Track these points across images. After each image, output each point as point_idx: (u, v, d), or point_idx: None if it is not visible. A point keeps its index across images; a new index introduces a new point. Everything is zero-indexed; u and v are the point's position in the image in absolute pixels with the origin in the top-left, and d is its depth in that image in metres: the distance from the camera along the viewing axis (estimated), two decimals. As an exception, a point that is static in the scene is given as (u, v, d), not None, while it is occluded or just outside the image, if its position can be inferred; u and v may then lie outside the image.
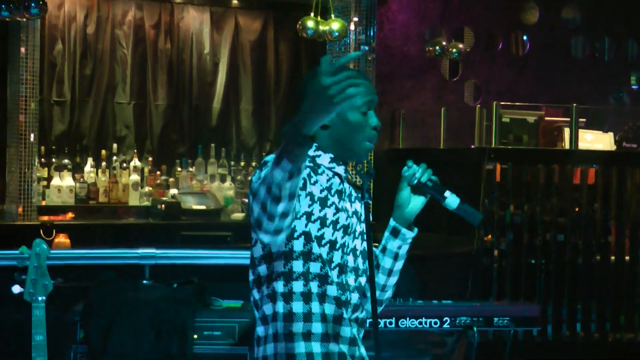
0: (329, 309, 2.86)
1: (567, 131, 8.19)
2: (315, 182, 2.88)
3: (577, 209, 7.58)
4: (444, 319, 4.73)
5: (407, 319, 4.70)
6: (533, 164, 7.59)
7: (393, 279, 3.05)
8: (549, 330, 7.36)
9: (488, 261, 7.40)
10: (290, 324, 2.84)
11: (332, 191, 2.91)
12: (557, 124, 8.70)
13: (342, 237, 2.90)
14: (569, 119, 8.09)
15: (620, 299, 7.55)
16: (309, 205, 2.84)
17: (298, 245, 2.84)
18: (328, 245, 2.86)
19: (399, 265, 3.04)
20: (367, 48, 8.76)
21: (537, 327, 4.80)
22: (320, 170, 2.92)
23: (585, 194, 7.57)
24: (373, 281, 2.82)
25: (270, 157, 2.73)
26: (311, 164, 2.91)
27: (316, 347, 2.84)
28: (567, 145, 8.17)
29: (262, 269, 2.88)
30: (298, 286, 2.84)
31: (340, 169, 2.96)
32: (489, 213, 7.49)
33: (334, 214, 2.88)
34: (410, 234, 3.00)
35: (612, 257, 7.57)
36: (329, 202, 2.88)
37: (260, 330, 2.93)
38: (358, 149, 2.94)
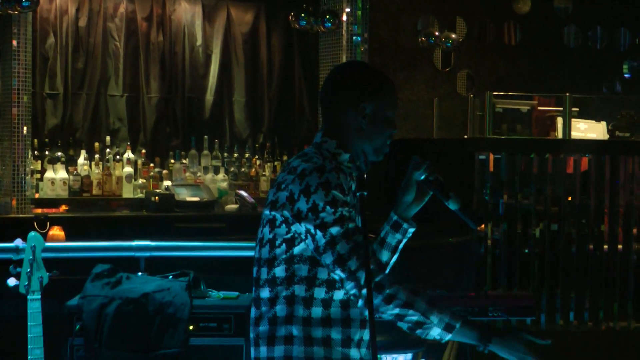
0: (354, 312, 2.90)
1: (560, 120, 8.21)
2: (337, 185, 2.88)
3: (570, 198, 7.60)
4: (439, 309, 4.73)
5: (402, 309, 4.70)
6: (526, 154, 7.60)
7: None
8: (542, 319, 7.39)
9: (482, 251, 7.42)
10: (309, 329, 2.85)
11: (351, 192, 2.94)
12: (549, 113, 8.73)
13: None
14: (561, 109, 8.10)
15: (613, 287, 7.57)
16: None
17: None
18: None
19: (394, 258, 3.08)
20: (359, 39, 8.76)
21: (531, 317, 4.82)
22: (340, 170, 2.92)
23: (579, 183, 7.58)
24: (369, 271, 2.82)
25: (300, 165, 2.86)
26: (334, 164, 2.93)
27: (336, 354, 2.86)
28: (560, 135, 8.19)
29: (280, 270, 2.88)
30: (320, 292, 2.86)
31: (353, 167, 2.98)
32: (483, 203, 7.50)
33: (356, 218, 2.93)
34: (411, 229, 3.05)
35: (605, 246, 7.59)
36: (352, 205, 2.91)
37: (263, 329, 2.92)
38: (374, 154, 3.00)
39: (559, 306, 7.47)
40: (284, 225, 2.87)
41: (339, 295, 2.88)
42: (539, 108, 8.74)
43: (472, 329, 2.81)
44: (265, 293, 2.91)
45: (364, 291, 2.76)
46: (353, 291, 2.79)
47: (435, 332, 2.81)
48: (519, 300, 4.78)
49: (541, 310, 7.38)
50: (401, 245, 3.06)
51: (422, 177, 2.97)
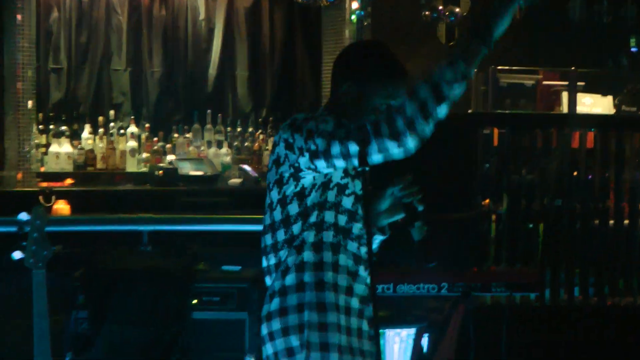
0: (351, 263, 2.89)
1: (565, 95, 8.17)
2: None
3: (575, 173, 7.57)
4: (442, 285, 4.75)
5: (405, 284, 4.73)
6: (531, 129, 7.57)
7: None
8: (546, 294, 7.38)
9: (485, 226, 7.40)
10: (322, 273, 2.86)
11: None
12: (554, 88, 8.69)
13: (354, 204, 2.94)
14: (567, 83, 8.06)
15: (618, 263, 7.56)
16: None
17: (331, 195, 2.91)
18: (352, 196, 2.93)
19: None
20: (362, 13, 8.73)
21: (534, 293, 4.82)
22: None
23: (584, 158, 7.55)
24: (370, 245, 2.86)
25: (300, 115, 2.86)
26: None
27: (341, 300, 2.88)
28: (565, 109, 8.16)
29: (297, 227, 2.91)
30: (328, 236, 2.88)
31: None
32: (487, 178, 7.48)
33: (343, 177, 2.95)
34: (379, 237, 3.12)
35: (611, 222, 7.57)
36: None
37: (277, 283, 2.93)
38: None
39: (564, 281, 7.46)
40: (292, 180, 2.90)
41: (345, 239, 2.92)
42: (544, 82, 8.70)
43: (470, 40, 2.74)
44: (284, 253, 2.93)
45: (373, 137, 2.69)
46: (358, 145, 2.71)
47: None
48: (522, 276, 4.80)
49: (545, 286, 7.37)
50: (375, 246, 3.12)
51: (400, 194, 2.97)
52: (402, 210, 2.97)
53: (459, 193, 7.62)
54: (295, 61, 9.43)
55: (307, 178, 2.89)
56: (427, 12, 9.08)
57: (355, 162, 2.70)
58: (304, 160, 2.81)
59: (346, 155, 2.71)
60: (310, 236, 2.88)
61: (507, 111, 8.19)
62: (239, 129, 8.95)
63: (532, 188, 7.54)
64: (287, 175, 2.91)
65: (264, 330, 2.92)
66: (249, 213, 5.29)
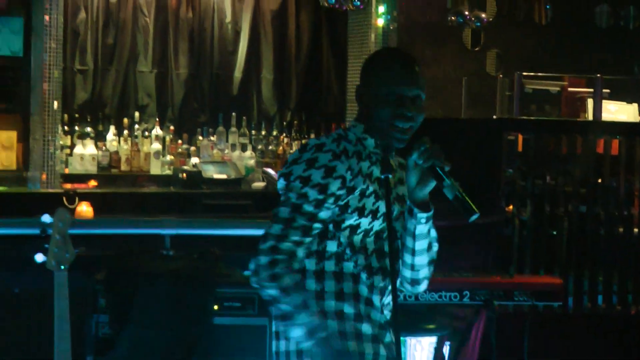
0: (362, 289, 2.87)
1: (590, 102, 8.13)
2: (357, 174, 2.85)
3: (599, 180, 7.53)
4: (464, 293, 4.73)
5: (427, 292, 4.70)
6: (555, 135, 7.54)
7: (420, 259, 2.96)
8: (569, 302, 7.34)
9: (509, 232, 7.37)
10: (322, 302, 2.85)
11: (372, 178, 2.90)
12: (580, 94, 8.65)
13: (381, 224, 2.89)
14: (592, 90, 8.02)
15: (642, 271, 7.51)
16: (343, 198, 2.83)
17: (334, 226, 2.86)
18: (362, 233, 2.87)
19: (421, 244, 2.93)
20: (388, 17, 8.72)
21: (558, 302, 4.79)
22: (364, 155, 2.90)
23: (608, 165, 7.51)
24: (392, 257, 2.81)
25: (296, 171, 2.82)
26: (358, 147, 2.90)
27: (349, 327, 2.85)
28: (590, 116, 8.12)
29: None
30: (330, 265, 2.86)
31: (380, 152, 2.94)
32: (511, 184, 7.46)
33: (374, 203, 2.88)
34: (422, 214, 2.88)
35: (635, 229, 7.52)
36: (369, 192, 2.86)
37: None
38: (384, 134, 2.92)
39: (587, 289, 7.42)
40: None
41: (348, 268, 2.86)
42: (569, 89, 8.66)
43: None
44: None
45: (255, 278, 2.77)
46: (251, 267, 2.79)
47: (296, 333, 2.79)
48: (545, 284, 4.76)
49: (568, 293, 7.34)
50: (420, 232, 2.94)
51: (420, 161, 2.88)
52: (431, 175, 2.88)
53: (482, 198, 7.59)
54: (321, 64, 9.43)
55: None
56: (453, 17, 9.06)
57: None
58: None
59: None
60: (311, 264, 2.88)
61: (531, 117, 8.15)
62: (263, 132, 8.97)
63: (556, 194, 7.50)
64: None
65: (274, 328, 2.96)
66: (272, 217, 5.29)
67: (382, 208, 2.88)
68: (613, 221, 7.49)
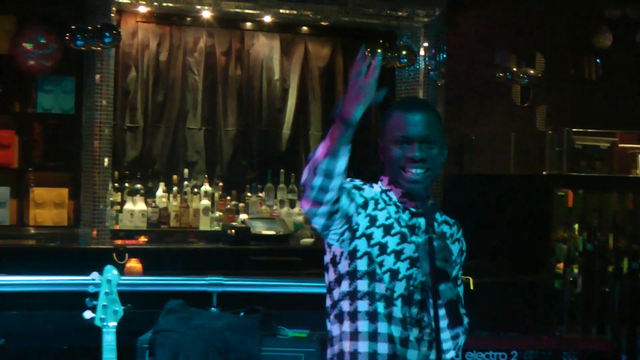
0: (396, 330, 2.87)
1: (641, 158, 8.08)
2: (383, 209, 2.95)
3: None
4: (511, 353, 4.68)
5: (474, 351, 4.66)
6: (606, 191, 7.48)
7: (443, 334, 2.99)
8: (622, 360, 7.23)
9: (559, 290, 7.30)
10: (356, 343, 2.86)
11: (402, 223, 2.93)
12: (631, 150, 8.58)
13: (409, 269, 2.90)
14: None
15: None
16: (367, 227, 2.92)
17: (362, 264, 2.91)
18: (388, 273, 2.88)
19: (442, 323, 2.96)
20: (436, 73, 8.74)
21: (606, 362, 4.71)
22: (390, 202, 2.98)
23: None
24: (437, 316, 2.81)
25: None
26: (384, 196, 3.00)
27: None
28: (641, 173, 8.06)
29: (335, 294, 2.96)
30: (363, 305, 2.88)
31: (411, 204, 2.97)
32: (561, 240, 7.40)
33: (399, 244, 2.90)
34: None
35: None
36: (394, 231, 2.90)
37: (327, 352, 2.99)
38: (400, 179, 2.99)
39: (640, 349, 7.30)
40: (326, 248, 3.02)
41: (382, 308, 2.89)
42: (620, 145, 8.60)
43: None
44: (327, 324, 3.00)
45: (321, 209, 2.82)
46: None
47: None
48: (594, 343, 4.69)
49: (621, 352, 7.22)
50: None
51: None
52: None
53: (532, 255, 7.53)
54: (369, 121, 9.45)
55: (335, 245, 2.96)
56: (501, 74, 9.06)
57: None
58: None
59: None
60: (345, 305, 2.90)
61: (581, 173, 8.09)
62: (311, 189, 8.97)
63: (607, 251, 7.43)
64: (325, 242, 3.02)
65: None
66: (320, 273, 5.28)
67: (408, 251, 2.93)
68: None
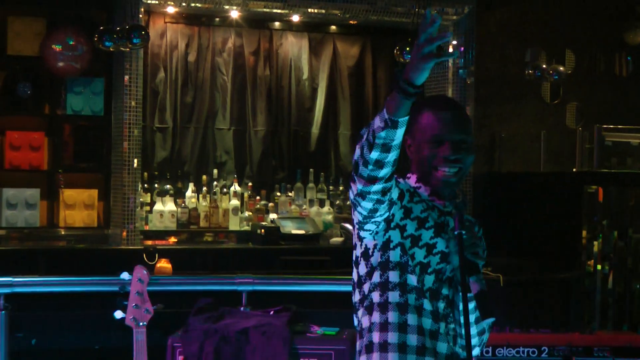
0: (426, 322, 2.86)
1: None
2: (418, 202, 2.97)
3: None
4: (542, 349, 4.65)
5: (505, 348, 4.64)
6: (637, 187, 7.42)
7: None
8: (654, 358, 7.16)
9: (590, 287, 7.25)
10: (386, 334, 2.86)
11: (433, 220, 2.94)
12: (662, 146, 8.52)
13: (439, 264, 2.91)
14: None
15: None
16: (402, 219, 2.93)
17: (394, 255, 2.91)
18: (419, 266, 2.89)
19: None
20: (465, 71, 8.71)
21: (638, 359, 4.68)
22: (419, 199, 2.99)
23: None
24: (466, 310, 2.80)
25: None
26: (412, 191, 3.01)
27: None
28: (672, 168, 7.99)
29: (366, 287, 2.95)
30: (394, 296, 2.88)
31: (440, 202, 2.98)
32: (592, 237, 7.35)
33: (432, 238, 2.91)
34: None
35: None
36: (428, 225, 2.91)
37: (356, 344, 2.99)
38: (431, 178, 3.00)
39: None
40: (357, 241, 3.00)
41: (411, 299, 2.90)
42: (651, 141, 8.54)
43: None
44: (358, 316, 3.00)
45: (374, 186, 2.76)
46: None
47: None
48: (627, 340, 4.66)
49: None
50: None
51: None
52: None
53: (563, 252, 7.49)
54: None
55: (368, 238, 2.93)
56: (531, 71, 9.01)
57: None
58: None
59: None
60: (375, 296, 2.90)
61: (612, 170, 8.04)
62: (341, 188, 8.98)
63: (638, 247, 7.38)
64: (355, 237, 3.00)
65: None
66: (349, 272, 5.28)
67: (440, 246, 2.93)
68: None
